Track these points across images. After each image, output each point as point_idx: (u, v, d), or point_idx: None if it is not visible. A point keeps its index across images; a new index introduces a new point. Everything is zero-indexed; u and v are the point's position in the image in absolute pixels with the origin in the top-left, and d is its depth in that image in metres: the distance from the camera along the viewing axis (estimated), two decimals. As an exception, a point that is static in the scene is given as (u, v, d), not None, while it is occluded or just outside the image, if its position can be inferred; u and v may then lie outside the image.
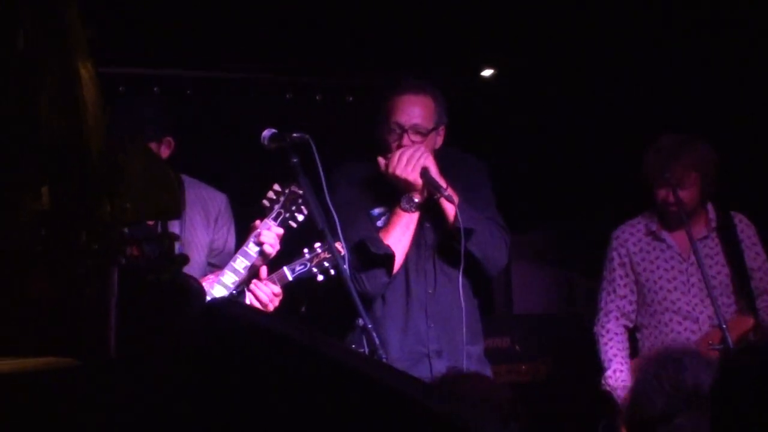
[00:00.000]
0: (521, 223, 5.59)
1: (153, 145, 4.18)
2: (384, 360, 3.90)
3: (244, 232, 4.25)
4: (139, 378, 1.77)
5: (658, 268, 4.99)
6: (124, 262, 1.80)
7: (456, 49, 5.77)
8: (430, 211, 4.44)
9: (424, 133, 4.41)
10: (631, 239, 5.06)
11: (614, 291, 5.06)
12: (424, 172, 4.31)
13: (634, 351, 5.06)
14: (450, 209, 4.35)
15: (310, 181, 4.06)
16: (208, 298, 3.77)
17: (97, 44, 1.82)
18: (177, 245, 1.91)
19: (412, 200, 4.39)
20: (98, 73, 1.81)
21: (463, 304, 4.36)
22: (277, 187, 4.14)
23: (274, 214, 4.12)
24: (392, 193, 4.43)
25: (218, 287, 4.05)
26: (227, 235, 4.45)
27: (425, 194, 4.39)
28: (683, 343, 4.81)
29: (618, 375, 4.91)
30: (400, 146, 4.37)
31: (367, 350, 3.89)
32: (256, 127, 4.15)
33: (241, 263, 4.09)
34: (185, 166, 4.10)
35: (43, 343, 1.78)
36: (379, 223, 4.48)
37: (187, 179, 4.29)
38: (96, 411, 1.72)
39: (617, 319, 5.03)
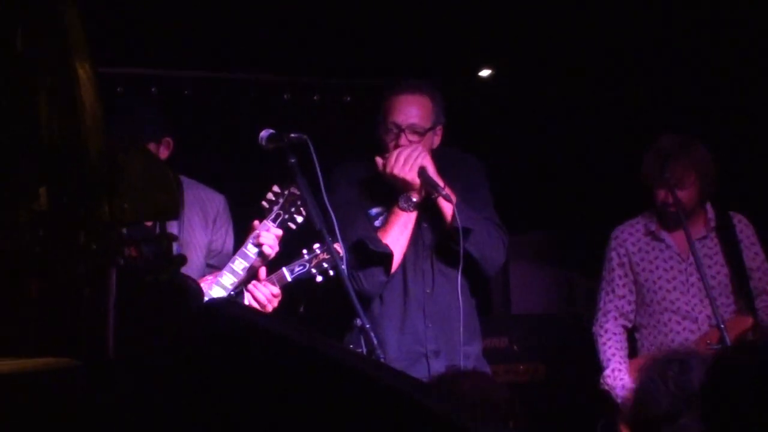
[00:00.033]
0: (519, 223, 5.58)
1: (152, 146, 4.18)
2: (382, 360, 3.91)
3: (242, 233, 4.25)
4: (138, 378, 1.77)
5: (657, 268, 4.99)
6: (123, 262, 1.80)
7: (454, 50, 5.77)
8: (428, 211, 4.45)
9: (422, 133, 4.41)
10: (630, 239, 5.06)
11: (613, 291, 5.06)
12: (422, 172, 4.31)
13: (632, 351, 5.06)
14: (448, 208, 4.35)
15: (308, 182, 4.06)
16: (206, 298, 3.78)
17: (96, 44, 1.82)
18: (175, 246, 1.91)
19: (410, 200, 4.39)
20: (96, 74, 1.81)
21: (461, 304, 4.36)
22: (276, 188, 4.14)
23: (273, 216, 4.12)
24: (390, 193, 4.43)
25: (216, 288, 4.05)
26: (225, 236, 4.45)
27: (423, 194, 4.40)
28: (688, 344, 4.81)
29: (616, 374, 4.91)
30: (397, 146, 4.38)
31: (365, 350, 3.89)
32: (253, 128, 4.14)
33: (239, 264, 4.09)
34: (183, 167, 4.11)
35: (42, 343, 1.78)
36: (377, 223, 4.49)
37: (185, 180, 4.30)
38: (95, 411, 1.72)
39: (616, 319, 5.04)
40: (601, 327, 5.04)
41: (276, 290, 4.14)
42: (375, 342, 3.85)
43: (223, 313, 1.91)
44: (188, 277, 2.09)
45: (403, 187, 4.36)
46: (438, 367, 4.29)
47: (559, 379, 5.89)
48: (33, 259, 1.77)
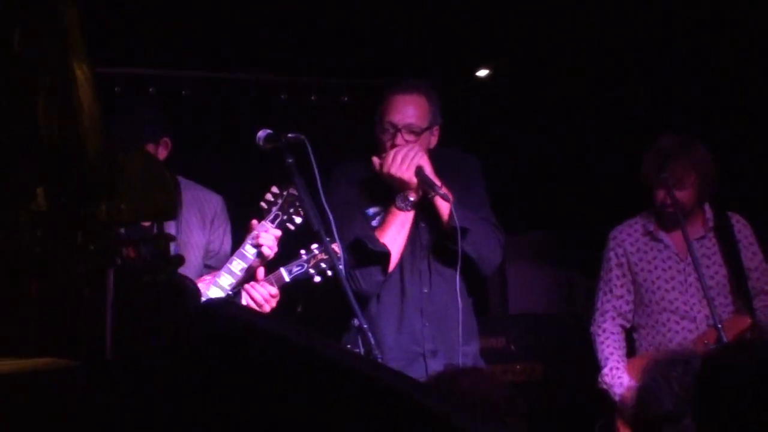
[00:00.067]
0: (517, 223, 5.59)
1: (150, 146, 4.18)
2: (379, 360, 3.91)
3: (240, 234, 4.25)
4: (135, 378, 1.77)
5: (655, 268, 5.00)
6: (121, 262, 1.80)
7: (452, 50, 5.77)
8: (425, 210, 4.45)
9: (418, 133, 4.41)
10: (629, 239, 5.07)
11: (611, 291, 5.07)
12: (419, 171, 4.31)
13: (630, 351, 5.06)
14: (445, 208, 4.35)
15: (305, 182, 4.06)
16: (204, 299, 3.78)
17: (94, 45, 1.82)
18: (173, 246, 1.92)
19: (408, 199, 4.39)
20: (94, 74, 1.81)
21: (460, 303, 4.36)
22: (275, 189, 4.14)
23: (271, 216, 4.13)
24: (387, 193, 4.43)
25: (214, 289, 4.05)
26: (223, 237, 4.45)
27: (420, 193, 4.40)
28: (686, 344, 4.82)
29: (614, 373, 4.91)
30: (393, 146, 4.38)
31: (362, 350, 3.89)
32: (251, 128, 4.14)
33: (237, 265, 4.09)
34: (181, 167, 4.11)
35: (40, 343, 1.78)
36: (374, 223, 4.49)
37: (183, 181, 4.30)
38: (93, 411, 1.72)
39: (614, 318, 5.04)
40: (599, 327, 5.04)
41: (274, 290, 4.14)
42: (372, 342, 3.85)
43: (220, 313, 1.92)
44: (186, 278, 2.09)
45: (400, 186, 4.36)
46: (435, 366, 4.29)
47: (557, 379, 5.89)
48: (31, 259, 1.77)
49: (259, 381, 1.71)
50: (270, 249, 4.10)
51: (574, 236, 6.29)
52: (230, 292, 4.08)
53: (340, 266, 4.02)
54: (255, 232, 4.10)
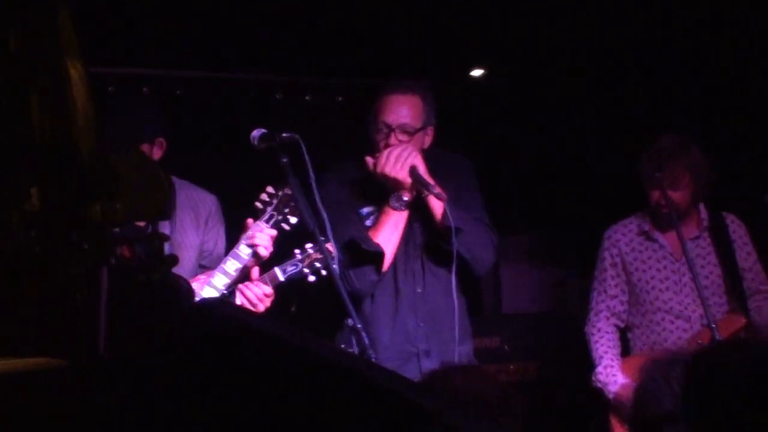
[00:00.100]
0: (511, 223, 5.59)
1: (145, 146, 4.17)
2: (373, 360, 3.91)
3: (234, 234, 4.25)
4: (129, 378, 1.77)
5: (650, 268, 5.00)
6: (115, 262, 1.80)
7: (447, 49, 5.77)
8: (419, 210, 4.45)
9: (411, 133, 4.41)
10: (623, 239, 5.07)
11: (605, 291, 5.08)
12: (413, 171, 4.31)
13: (625, 351, 5.06)
14: (438, 207, 4.35)
15: (300, 181, 4.06)
16: (198, 299, 3.77)
17: (87, 44, 1.82)
18: (167, 246, 1.92)
19: (401, 199, 4.40)
20: (88, 73, 1.81)
21: (456, 303, 4.36)
22: (270, 189, 4.14)
23: (266, 216, 4.12)
24: (381, 193, 4.43)
25: (208, 289, 4.04)
26: (217, 237, 4.45)
27: (414, 193, 4.40)
28: (680, 343, 4.83)
29: (609, 371, 4.91)
30: (387, 145, 4.38)
31: (356, 350, 3.89)
32: (246, 128, 4.14)
33: (231, 265, 4.08)
34: (175, 167, 4.11)
35: (34, 343, 1.78)
36: (368, 223, 4.49)
37: (177, 181, 4.28)
38: (87, 411, 1.72)
39: (608, 318, 5.04)
40: (594, 326, 5.05)
41: (268, 290, 4.14)
42: (366, 342, 3.85)
43: (214, 313, 1.92)
44: (180, 277, 2.09)
45: (394, 186, 4.36)
46: (429, 366, 4.28)
47: (551, 379, 5.90)
48: (26, 259, 1.77)
49: (253, 381, 1.71)
50: (266, 249, 4.10)
51: (567, 236, 6.30)
52: (225, 292, 4.07)
53: (335, 266, 4.02)
54: (250, 232, 4.10)
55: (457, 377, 3.17)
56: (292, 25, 5.35)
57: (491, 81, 6.31)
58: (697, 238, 4.98)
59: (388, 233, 4.41)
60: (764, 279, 5.02)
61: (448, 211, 4.29)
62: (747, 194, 5.29)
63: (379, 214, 4.46)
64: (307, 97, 6.10)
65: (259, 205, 4.14)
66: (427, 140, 4.51)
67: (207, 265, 4.34)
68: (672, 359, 3.27)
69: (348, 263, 4.36)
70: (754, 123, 5.63)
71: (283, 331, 1.82)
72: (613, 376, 4.89)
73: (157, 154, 4.22)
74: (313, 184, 4.04)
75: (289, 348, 1.76)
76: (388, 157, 4.32)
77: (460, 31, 5.56)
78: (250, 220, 4.13)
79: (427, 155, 4.44)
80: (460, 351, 4.43)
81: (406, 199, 4.40)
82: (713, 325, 4.54)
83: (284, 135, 4.03)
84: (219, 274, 4.07)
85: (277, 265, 4.18)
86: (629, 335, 5.08)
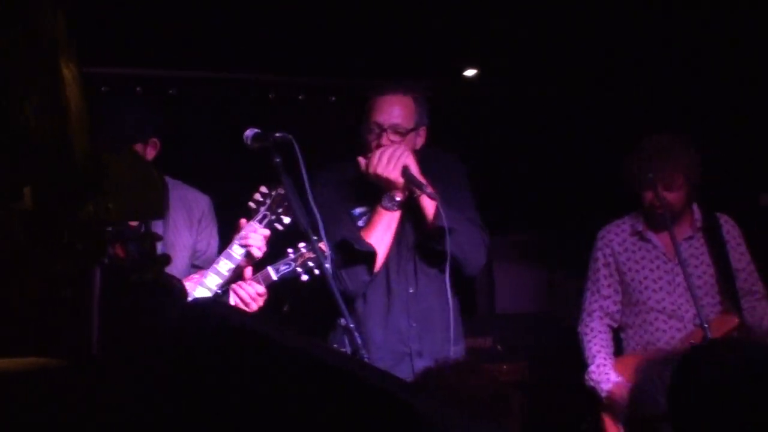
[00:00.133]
0: (505, 223, 5.60)
1: (139, 146, 4.17)
2: (366, 359, 3.91)
3: (228, 234, 4.25)
4: (121, 378, 1.77)
5: (643, 268, 5.01)
6: (107, 262, 1.80)
7: (440, 50, 5.77)
8: (411, 211, 4.45)
9: (404, 133, 4.41)
10: (617, 239, 5.08)
11: (598, 291, 5.08)
12: (405, 170, 4.31)
13: (618, 350, 5.07)
14: (431, 207, 4.35)
15: (293, 181, 4.06)
16: (190, 299, 3.77)
17: (80, 44, 1.82)
18: (160, 246, 1.92)
19: (394, 199, 4.39)
20: (82, 73, 1.81)
21: (450, 303, 4.36)
22: (264, 189, 4.14)
23: (259, 216, 4.12)
24: (374, 193, 4.43)
25: (200, 289, 4.04)
26: (210, 237, 4.45)
27: (406, 193, 4.40)
28: (673, 343, 4.83)
29: (601, 369, 4.92)
30: (379, 146, 4.38)
31: (349, 350, 3.89)
32: (239, 127, 4.14)
33: (224, 265, 4.08)
34: (168, 167, 4.10)
35: (26, 343, 1.78)
36: (361, 223, 4.49)
37: (170, 181, 4.29)
38: (79, 411, 1.72)
39: (601, 318, 5.05)
40: (587, 326, 5.05)
41: (261, 289, 4.14)
42: (359, 342, 3.85)
43: (207, 312, 1.91)
44: (173, 277, 2.09)
45: (387, 186, 4.36)
46: (422, 366, 4.28)
47: (544, 379, 5.90)
48: (18, 258, 1.76)
49: (245, 381, 1.71)
50: (259, 250, 4.10)
51: (560, 237, 6.31)
52: (219, 291, 4.07)
53: (327, 265, 4.02)
54: (243, 233, 4.10)
55: (451, 376, 3.17)
56: (286, 25, 5.35)
57: (484, 81, 6.31)
58: (691, 238, 4.99)
59: (381, 233, 4.41)
60: (757, 279, 5.03)
61: (440, 211, 4.29)
62: (741, 195, 5.31)
63: (371, 214, 4.46)
64: (300, 97, 6.10)
65: (252, 205, 4.14)
66: (420, 141, 4.51)
67: (200, 265, 4.34)
68: (667, 359, 3.28)
69: (340, 263, 4.36)
70: (749, 124, 5.64)
71: (275, 331, 1.82)
72: (605, 374, 4.90)
73: (150, 154, 4.22)
74: (306, 184, 4.04)
75: (282, 348, 1.76)
76: (380, 157, 4.32)
77: (454, 32, 5.57)
78: (243, 221, 4.13)
79: (419, 156, 4.44)
80: (454, 351, 4.43)
81: (398, 199, 4.39)
82: (705, 325, 4.55)
83: (277, 135, 4.03)
84: (211, 274, 4.07)
85: (270, 264, 4.18)
86: (622, 335, 5.09)
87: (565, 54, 5.80)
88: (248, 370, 1.72)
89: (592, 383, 4.93)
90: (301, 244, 4.13)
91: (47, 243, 1.75)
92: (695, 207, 5.02)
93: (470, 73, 6.31)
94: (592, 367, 4.95)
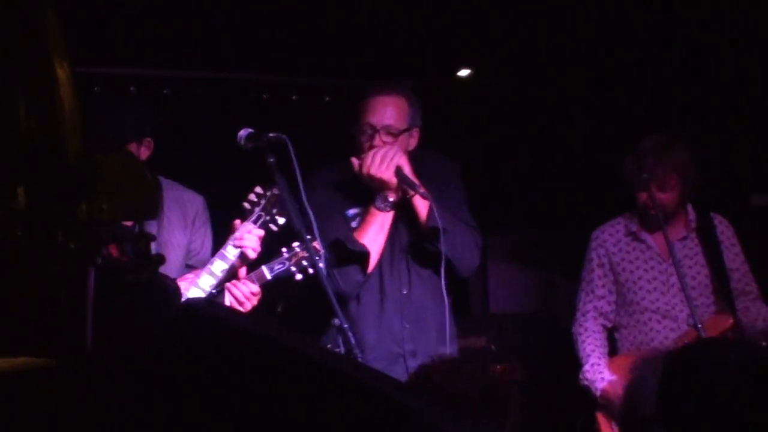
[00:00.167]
0: (498, 223, 5.60)
1: (133, 146, 4.17)
2: (359, 359, 3.91)
3: (222, 234, 4.24)
4: (115, 377, 1.77)
5: (637, 268, 5.01)
6: (102, 261, 1.80)
7: (433, 50, 5.77)
8: (404, 211, 4.44)
9: (396, 134, 4.40)
10: (611, 240, 5.08)
11: (592, 291, 5.08)
12: (398, 171, 4.31)
13: (612, 351, 5.07)
14: (424, 207, 4.35)
15: (287, 181, 4.06)
16: (184, 299, 3.77)
17: (74, 44, 1.82)
18: (154, 246, 1.92)
19: (387, 199, 4.39)
20: (75, 73, 1.81)
21: (446, 303, 4.36)
22: (258, 189, 4.14)
23: (254, 217, 4.12)
24: (366, 194, 4.43)
25: (194, 289, 4.03)
26: (204, 237, 4.45)
27: (399, 193, 4.39)
28: (667, 343, 4.84)
29: (596, 369, 4.92)
30: (372, 147, 4.37)
31: (343, 350, 3.89)
32: (232, 127, 4.14)
33: (218, 266, 4.08)
34: (162, 167, 4.10)
35: (20, 343, 1.78)
36: (354, 224, 4.48)
37: (164, 181, 4.29)
38: (73, 411, 1.72)
39: (595, 318, 5.05)
40: (581, 326, 5.06)
41: (256, 288, 4.14)
42: (353, 342, 3.85)
43: (201, 312, 1.92)
44: (167, 277, 2.09)
45: (380, 186, 4.36)
46: (416, 367, 4.28)
47: (538, 379, 5.90)
48: (12, 258, 1.76)
49: (239, 380, 1.71)
50: (253, 251, 4.10)
51: (554, 237, 6.31)
52: (213, 291, 4.07)
53: (321, 264, 4.02)
54: (237, 233, 4.10)
55: (445, 376, 3.17)
56: (280, 25, 5.35)
57: (481, 81, 6.31)
58: (685, 238, 4.99)
59: (374, 234, 4.40)
60: (751, 280, 5.03)
61: (434, 212, 4.29)
62: (732, 195, 5.31)
63: (364, 215, 4.45)
64: (294, 97, 6.10)
65: (247, 205, 4.14)
66: (413, 143, 4.50)
67: (194, 266, 4.33)
68: (660, 359, 3.28)
69: (333, 264, 4.36)
70: (745, 124, 5.64)
71: (269, 330, 1.82)
72: (599, 373, 4.90)
73: (144, 154, 4.21)
74: (300, 184, 4.04)
75: (275, 348, 1.76)
76: (373, 158, 4.31)
77: (447, 32, 5.57)
78: (237, 221, 4.13)
79: (413, 156, 4.44)
80: (448, 352, 4.43)
81: (391, 199, 4.39)
82: (699, 325, 4.56)
83: (271, 135, 4.03)
84: (205, 274, 4.07)
85: (265, 263, 4.17)
86: (616, 335, 5.09)
87: (563, 54, 5.80)
88: (243, 370, 1.72)
89: (586, 382, 4.93)
90: (296, 244, 4.13)
91: (41, 243, 1.75)
92: (690, 207, 5.02)
93: (464, 73, 6.31)
94: (587, 367, 4.96)
